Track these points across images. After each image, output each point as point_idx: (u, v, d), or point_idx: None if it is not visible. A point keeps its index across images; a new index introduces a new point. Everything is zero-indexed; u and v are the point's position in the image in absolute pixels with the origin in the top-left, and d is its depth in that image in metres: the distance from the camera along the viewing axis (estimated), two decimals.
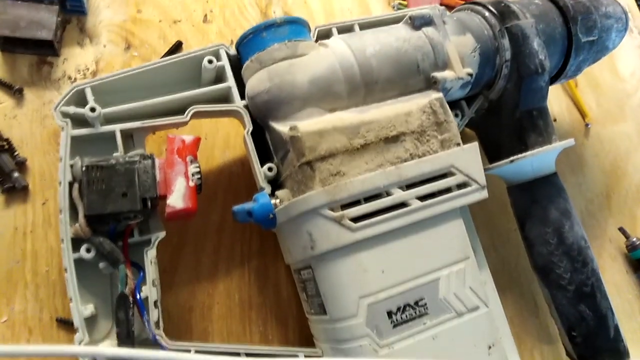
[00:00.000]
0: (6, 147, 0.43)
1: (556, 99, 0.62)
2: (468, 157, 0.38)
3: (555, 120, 0.61)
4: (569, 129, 0.61)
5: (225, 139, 0.50)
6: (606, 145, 0.62)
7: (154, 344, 0.36)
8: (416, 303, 0.35)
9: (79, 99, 0.39)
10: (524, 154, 0.44)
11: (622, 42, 0.55)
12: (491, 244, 0.54)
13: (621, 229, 0.57)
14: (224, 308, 0.45)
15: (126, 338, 0.35)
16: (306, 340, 0.44)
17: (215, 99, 0.42)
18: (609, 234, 0.58)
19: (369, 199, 0.36)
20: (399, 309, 0.35)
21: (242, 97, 0.41)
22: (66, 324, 0.41)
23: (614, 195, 0.60)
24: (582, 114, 0.62)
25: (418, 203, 0.36)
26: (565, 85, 0.63)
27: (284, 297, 0.47)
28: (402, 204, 0.36)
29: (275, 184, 0.41)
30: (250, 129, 0.41)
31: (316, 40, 0.42)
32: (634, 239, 0.56)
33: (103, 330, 0.37)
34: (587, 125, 0.62)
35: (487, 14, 0.45)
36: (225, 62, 0.41)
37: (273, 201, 0.39)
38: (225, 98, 0.42)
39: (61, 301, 0.42)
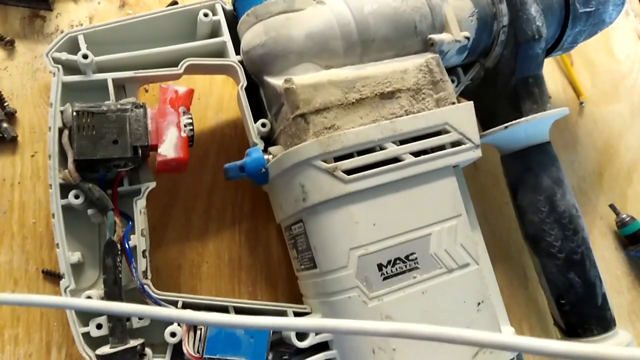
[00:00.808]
0: None
1: (552, 77, 0.62)
2: (463, 116, 0.38)
3: (550, 97, 0.61)
4: (564, 106, 0.61)
5: (219, 100, 0.49)
6: (600, 124, 0.62)
7: (142, 293, 0.35)
8: (407, 257, 0.35)
9: (72, 46, 0.38)
10: (518, 120, 0.44)
11: (618, 25, 0.55)
12: (483, 217, 0.54)
13: (612, 206, 0.57)
14: (214, 267, 0.45)
15: (113, 285, 0.34)
16: (295, 301, 0.44)
17: (210, 54, 0.41)
18: (599, 211, 0.58)
19: (362, 152, 0.36)
20: (389, 262, 0.35)
21: (237, 52, 0.41)
22: (52, 276, 0.40)
23: (606, 173, 0.60)
24: (577, 93, 0.62)
25: (411, 158, 0.36)
26: (561, 64, 0.63)
27: (274, 259, 0.46)
28: (396, 159, 0.36)
29: (268, 142, 0.41)
30: (244, 84, 0.40)
31: None
32: (624, 216, 0.56)
33: (90, 279, 0.37)
34: (581, 103, 0.62)
35: None
36: (221, 16, 0.41)
37: (266, 157, 0.38)
38: (220, 53, 0.41)
39: (48, 253, 0.41)
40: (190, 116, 0.38)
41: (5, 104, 0.43)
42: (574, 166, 0.59)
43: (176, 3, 0.51)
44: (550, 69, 0.63)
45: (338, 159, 0.35)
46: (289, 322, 0.31)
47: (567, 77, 0.63)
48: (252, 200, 0.47)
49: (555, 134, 0.56)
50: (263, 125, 0.40)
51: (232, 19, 0.42)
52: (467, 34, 0.43)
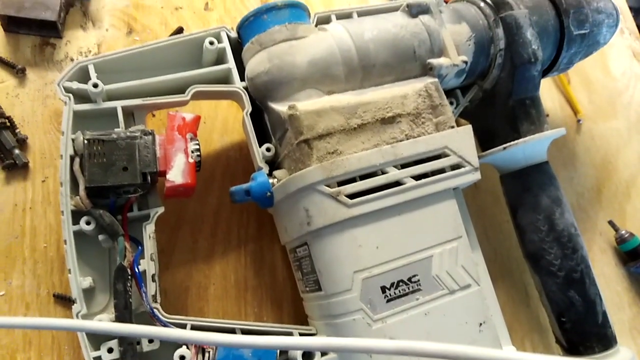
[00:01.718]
0: (8, 124, 0.44)
1: (549, 95, 0.63)
2: (462, 139, 0.39)
3: (548, 115, 0.62)
4: (561, 124, 0.62)
5: (224, 123, 0.50)
6: (597, 141, 0.63)
7: (151, 317, 0.36)
8: (409, 279, 0.36)
9: (82, 76, 0.39)
10: (516, 142, 0.45)
11: (613, 42, 0.56)
12: (484, 235, 0.54)
13: (611, 222, 0.58)
14: (220, 289, 0.46)
15: (124, 309, 0.35)
16: (300, 322, 0.45)
17: (216, 80, 0.42)
18: (599, 228, 0.59)
19: (364, 177, 0.37)
20: (392, 284, 0.36)
21: (242, 79, 0.42)
22: (63, 300, 0.41)
23: (605, 189, 0.61)
24: (574, 110, 0.63)
25: (412, 182, 0.37)
26: (558, 82, 0.64)
27: (279, 280, 0.47)
28: (397, 183, 0.37)
29: (273, 165, 0.42)
30: (249, 110, 0.41)
31: (315, 26, 0.43)
32: (623, 232, 0.57)
33: (101, 303, 0.38)
34: (578, 121, 0.63)
35: (482, 4, 0.46)
36: (226, 43, 0.42)
37: (271, 180, 0.39)
38: (226, 79, 0.43)
39: (59, 277, 0.42)
40: (197, 142, 0.39)
41: (17, 130, 0.44)
42: (572, 183, 0.60)
43: (182, 29, 0.52)
44: (547, 87, 0.64)
45: (341, 183, 0.36)
46: (296, 341, 0.32)
47: (564, 95, 0.64)
48: (257, 222, 0.48)
49: (554, 151, 0.57)
50: (268, 149, 0.41)
51: (237, 46, 0.43)
52: (464, 58, 0.44)
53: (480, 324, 0.37)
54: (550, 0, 0.49)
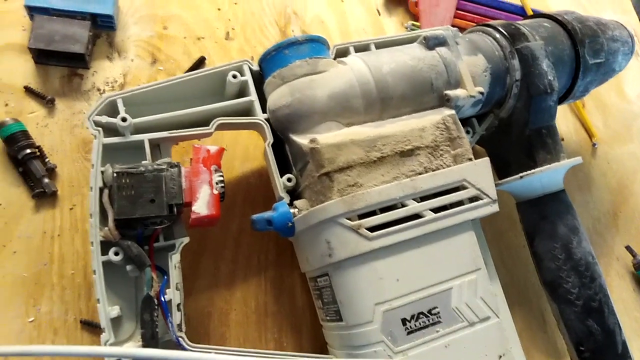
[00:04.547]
0: (38, 154, 0.45)
1: (564, 119, 0.64)
2: (479, 172, 0.40)
3: (563, 139, 0.63)
4: (577, 148, 0.63)
5: (245, 151, 0.52)
6: (613, 164, 0.64)
7: (176, 345, 0.37)
8: (429, 311, 0.37)
9: (111, 109, 0.41)
10: (532, 171, 0.45)
11: (628, 65, 0.57)
12: (501, 260, 0.55)
13: (628, 248, 0.58)
14: (241, 315, 0.46)
15: (150, 339, 0.36)
16: (320, 348, 0.46)
17: (238, 112, 0.43)
18: (616, 252, 0.59)
19: (384, 209, 0.38)
20: (413, 316, 0.36)
21: (264, 110, 0.43)
22: (90, 326, 0.42)
23: (621, 214, 0.61)
24: (590, 134, 0.64)
25: (432, 215, 0.38)
26: (573, 106, 0.65)
27: (298, 306, 0.48)
28: (417, 215, 0.38)
29: (294, 194, 0.43)
30: (271, 141, 0.42)
31: (334, 58, 0.44)
32: None
33: (127, 331, 0.39)
34: (594, 145, 0.63)
35: (497, 35, 0.47)
36: (248, 77, 0.44)
37: (292, 210, 0.40)
38: (248, 111, 0.44)
39: (85, 304, 0.43)
40: (221, 174, 0.40)
41: (46, 159, 0.46)
42: (588, 207, 0.61)
43: (204, 59, 0.54)
44: (562, 111, 0.64)
45: (362, 216, 0.37)
46: None
47: (579, 119, 0.65)
48: (277, 248, 0.49)
49: (569, 175, 0.57)
50: (289, 179, 0.42)
51: (259, 77, 0.44)
52: (481, 89, 0.45)
53: (500, 357, 0.37)
54: (565, 30, 0.49)
